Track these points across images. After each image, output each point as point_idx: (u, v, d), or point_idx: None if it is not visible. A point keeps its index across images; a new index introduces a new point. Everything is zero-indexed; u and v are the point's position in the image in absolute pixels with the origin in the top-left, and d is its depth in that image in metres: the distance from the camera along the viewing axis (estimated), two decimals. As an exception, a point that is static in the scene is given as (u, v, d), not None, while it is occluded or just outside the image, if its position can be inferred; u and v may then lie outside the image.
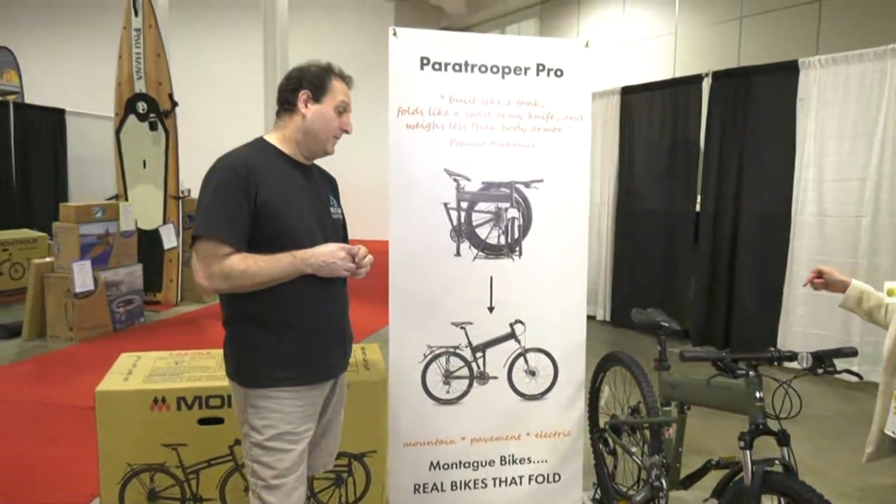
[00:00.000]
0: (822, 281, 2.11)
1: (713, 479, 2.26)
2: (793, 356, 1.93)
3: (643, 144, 6.64)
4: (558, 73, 2.62)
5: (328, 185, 2.06)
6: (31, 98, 11.98)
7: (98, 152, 9.04)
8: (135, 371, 2.44)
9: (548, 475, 2.77)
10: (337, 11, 13.69)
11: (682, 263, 6.29)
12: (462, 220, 2.58)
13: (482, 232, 2.61)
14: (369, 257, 1.87)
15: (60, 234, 5.69)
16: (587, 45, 2.65)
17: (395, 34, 2.49)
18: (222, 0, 13.57)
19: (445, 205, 2.57)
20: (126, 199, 7.13)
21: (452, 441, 2.66)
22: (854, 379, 2.40)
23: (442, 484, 2.68)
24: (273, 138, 1.92)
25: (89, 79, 11.81)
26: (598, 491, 3.00)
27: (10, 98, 10.13)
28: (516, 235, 2.63)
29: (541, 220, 2.65)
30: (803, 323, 5.29)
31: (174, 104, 7.09)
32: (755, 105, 5.57)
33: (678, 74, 8.02)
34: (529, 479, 2.76)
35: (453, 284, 2.60)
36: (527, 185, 2.63)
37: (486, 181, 2.60)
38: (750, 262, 5.70)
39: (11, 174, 8.58)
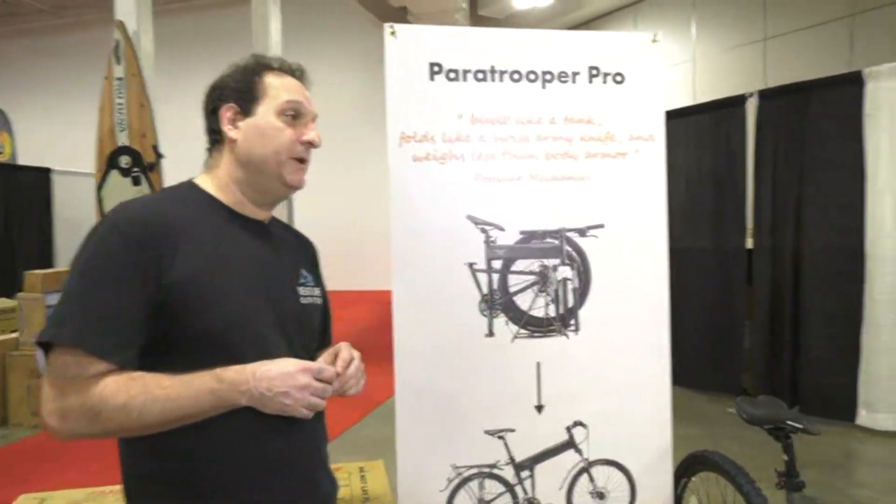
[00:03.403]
0: None
1: None
2: None
3: (680, 176, 5.89)
4: (618, 78, 1.92)
5: (300, 253, 1.34)
6: (25, 159, 11.52)
7: (87, 212, 8.45)
8: (33, 526, 1.69)
9: None
10: (330, 45, 13.13)
11: (734, 307, 5.50)
12: (495, 285, 1.85)
13: (523, 301, 1.88)
14: (354, 366, 1.16)
15: (25, 307, 5.02)
16: (655, 40, 1.96)
17: (392, 33, 1.81)
18: (209, 44, 13.15)
19: (471, 265, 1.84)
20: (108, 262, 6.47)
21: None
22: None
23: None
24: (205, 182, 1.22)
25: (79, 136, 11.36)
26: None
27: (-1, 158, 9.65)
28: (571, 303, 1.90)
29: (603, 281, 1.91)
30: (891, 376, 4.46)
31: (159, 156, 6.49)
32: (812, 125, 4.87)
33: (699, 101, 7.45)
34: None
35: (485, 377, 1.86)
36: (582, 232, 1.90)
37: (527, 230, 1.88)
38: (817, 304, 4.91)
39: (-8, 239, 8.01)
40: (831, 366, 4.80)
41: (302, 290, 1.25)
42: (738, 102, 5.37)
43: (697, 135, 5.70)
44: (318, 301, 1.30)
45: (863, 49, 7.01)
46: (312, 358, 1.15)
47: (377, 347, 2.28)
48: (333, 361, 1.16)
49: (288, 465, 1.14)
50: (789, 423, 1.85)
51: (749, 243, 5.40)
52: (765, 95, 5.18)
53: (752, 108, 5.26)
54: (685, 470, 2.25)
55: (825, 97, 4.79)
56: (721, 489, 2.19)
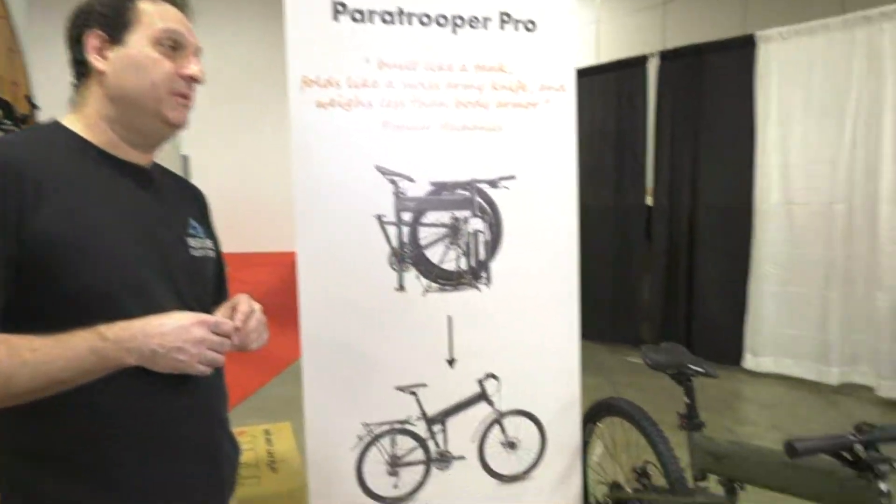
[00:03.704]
0: None
1: None
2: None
3: (584, 134, 6.00)
4: (529, 26, 1.87)
5: (187, 202, 1.22)
6: None
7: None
8: None
9: (539, 581, 2.03)
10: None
11: (634, 262, 5.72)
12: (405, 238, 1.79)
13: (434, 254, 1.83)
14: (256, 318, 1.08)
15: None
16: (566, -13, 1.92)
17: (291, -33, 1.67)
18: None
19: (379, 217, 1.77)
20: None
21: (407, 554, 1.87)
22: None
23: None
24: (73, 122, 1.07)
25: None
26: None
27: None
28: (482, 256, 1.87)
29: (515, 233, 1.89)
30: (773, 323, 4.80)
31: (34, 107, 5.92)
32: (709, 86, 5.05)
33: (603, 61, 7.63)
34: (515, 591, 2.00)
35: (396, 332, 1.81)
36: (493, 184, 1.87)
37: (437, 181, 1.83)
38: (710, 258, 5.20)
39: None
40: (721, 315, 5.11)
41: (192, 242, 1.13)
42: (639, 63, 5.49)
43: (601, 94, 5.79)
44: (211, 254, 1.19)
45: (756, 13, 7.31)
46: (208, 314, 1.06)
47: (283, 310, 2.19)
48: (232, 315, 1.07)
49: (184, 427, 1.05)
50: (690, 367, 1.92)
51: (649, 201, 5.60)
52: (665, 57, 5.31)
53: (653, 68, 5.40)
54: (591, 417, 2.31)
55: (720, 59, 4.97)
56: (625, 433, 2.27)
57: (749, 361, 4.90)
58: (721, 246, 5.11)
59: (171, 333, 0.94)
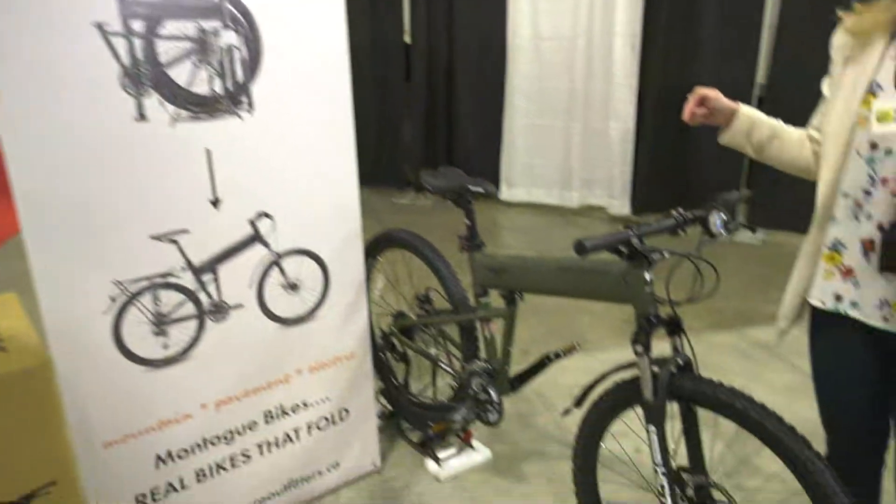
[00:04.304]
0: (705, 111, 1.51)
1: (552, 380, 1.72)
2: (700, 218, 1.35)
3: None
4: None
5: None
6: None
7: None
8: None
9: (333, 415, 2.01)
10: None
11: (394, 102, 5.63)
12: (139, 54, 1.44)
13: (180, 74, 1.51)
14: None
15: None
16: None
17: None
18: None
19: (100, 26, 1.39)
20: None
21: (188, 415, 1.71)
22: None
23: (182, 480, 1.74)
24: None
25: None
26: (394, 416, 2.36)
27: None
28: (240, 77, 1.59)
29: (277, 50, 1.63)
30: (524, 155, 5.14)
31: None
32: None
33: None
34: (310, 429, 1.96)
35: (142, 171, 1.50)
36: (246, -13, 1.56)
37: (173, -20, 1.46)
38: (468, 94, 5.31)
39: None
40: (479, 151, 5.33)
41: None
42: None
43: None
44: None
45: None
46: None
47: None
48: None
49: None
50: (471, 188, 1.91)
51: (407, 39, 5.43)
52: None
53: None
54: (372, 251, 2.26)
55: None
56: (406, 263, 2.27)
57: (504, 192, 5.24)
58: (478, 83, 5.21)
59: None
